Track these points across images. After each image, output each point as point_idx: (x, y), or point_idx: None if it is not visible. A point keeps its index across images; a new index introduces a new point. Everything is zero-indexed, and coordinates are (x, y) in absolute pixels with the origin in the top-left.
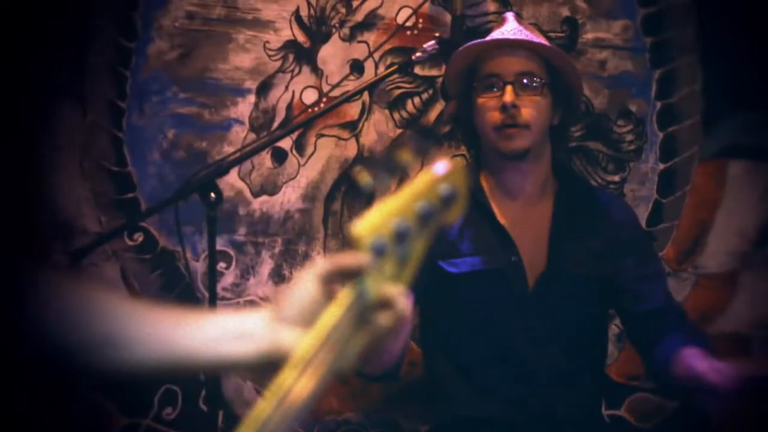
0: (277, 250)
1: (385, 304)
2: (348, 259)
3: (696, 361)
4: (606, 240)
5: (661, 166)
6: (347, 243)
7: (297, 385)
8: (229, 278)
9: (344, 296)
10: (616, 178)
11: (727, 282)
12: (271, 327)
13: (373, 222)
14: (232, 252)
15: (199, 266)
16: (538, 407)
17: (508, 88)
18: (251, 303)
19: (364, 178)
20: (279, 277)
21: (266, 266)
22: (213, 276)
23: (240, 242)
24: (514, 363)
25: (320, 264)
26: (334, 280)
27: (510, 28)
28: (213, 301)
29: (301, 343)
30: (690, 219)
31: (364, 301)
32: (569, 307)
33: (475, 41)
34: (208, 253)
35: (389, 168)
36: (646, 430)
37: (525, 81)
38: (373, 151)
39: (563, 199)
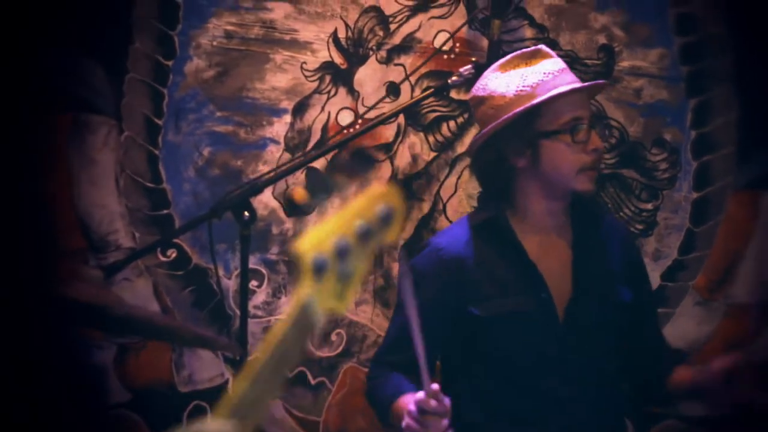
0: None
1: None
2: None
3: (685, 374)
4: (621, 263)
5: (695, 195)
6: (379, 265)
7: (245, 395)
8: (260, 296)
9: (291, 312)
10: (650, 206)
11: (760, 312)
12: None
13: (315, 238)
14: (264, 270)
15: (231, 284)
16: None
17: (594, 132)
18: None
19: (300, 195)
20: None
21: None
22: (245, 294)
23: (272, 261)
24: (548, 398)
25: None
26: None
27: (560, 66)
28: (244, 318)
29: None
30: (722, 248)
31: (309, 317)
32: (598, 336)
33: (558, 91)
34: (241, 271)
35: (326, 188)
36: None
37: (593, 123)
38: (313, 171)
39: (579, 224)
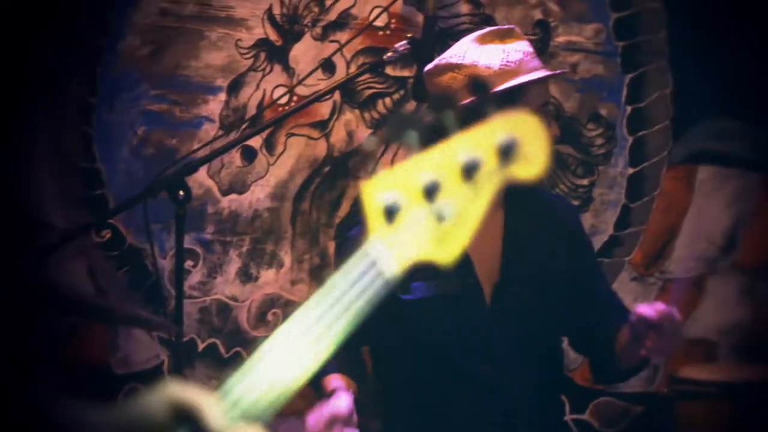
0: (244, 249)
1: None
2: (196, 399)
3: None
4: (558, 240)
5: (630, 171)
6: (315, 244)
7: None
8: (196, 276)
9: (353, 263)
10: (585, 182)
11: (693, 287)
12: None
13: (386, 178)
14: (199, 250)
15: (167, 264)
16: (502, 422)
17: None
18: (218, 302)
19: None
20: (246, 277)
21: (234, 265)
22: (180, 274)
23: (208, 240)
24: (478, 381)
25: (167, 393)
26: (171, 415)
27: (532, 49)
28: (179, 299)
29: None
30: (658, 224)
31: (377, 264)
32: (528, 316)
33: (525, 79)
34: (176, 251)
35: (413, 126)
36: None
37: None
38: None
39: (512, 203)
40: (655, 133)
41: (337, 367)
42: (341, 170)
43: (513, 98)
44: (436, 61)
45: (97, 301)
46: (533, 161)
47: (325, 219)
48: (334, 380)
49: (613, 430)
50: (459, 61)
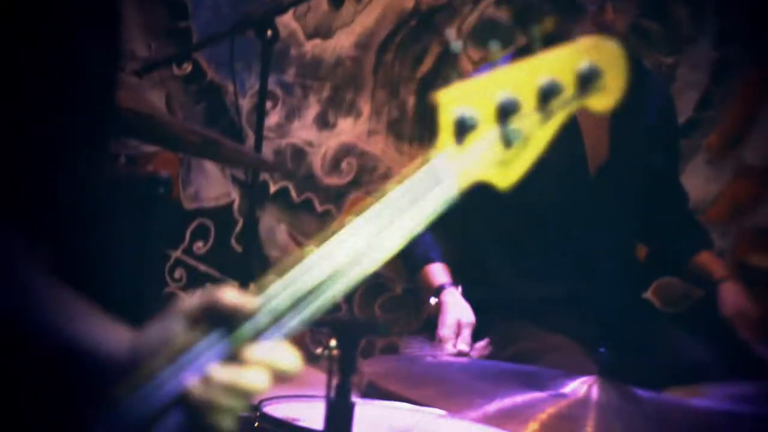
0: (324, 95)
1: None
2: (228, 298)
3: (728, 295)
4: (659, 125)
5: (716, 54)
6: (395, 96)
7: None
8: (274, 118)
9: (414, 173)
10: (670, 60)
11: (766, 175)
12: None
13: (462, 90)
14: (279, 92)
15: (246, 103)
16: (587, 288)
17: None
18: (293, 145)
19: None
20: (324, 123)
21: (312, 110)
22: (261, 114)
23: (288, 83)
24: (571, 246)
25: (192, 301)
26: (203, 320)
27: None
28: (259, 140)
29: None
30: (738, 110)
31: (435, 180)
32: (629, 190)
33: None
34: (259, 92)
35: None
36: (673, 315)
37: None
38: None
39: None
40: (745, 18)
41: (436, 255)
42: (428, 25)
43: None
44: None
45: (184, 125)
46: (610, 93)
47: (407, 72)
48: (438, 273)
49: (674, 311)
50: None
